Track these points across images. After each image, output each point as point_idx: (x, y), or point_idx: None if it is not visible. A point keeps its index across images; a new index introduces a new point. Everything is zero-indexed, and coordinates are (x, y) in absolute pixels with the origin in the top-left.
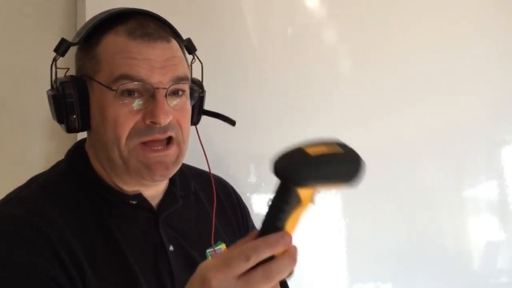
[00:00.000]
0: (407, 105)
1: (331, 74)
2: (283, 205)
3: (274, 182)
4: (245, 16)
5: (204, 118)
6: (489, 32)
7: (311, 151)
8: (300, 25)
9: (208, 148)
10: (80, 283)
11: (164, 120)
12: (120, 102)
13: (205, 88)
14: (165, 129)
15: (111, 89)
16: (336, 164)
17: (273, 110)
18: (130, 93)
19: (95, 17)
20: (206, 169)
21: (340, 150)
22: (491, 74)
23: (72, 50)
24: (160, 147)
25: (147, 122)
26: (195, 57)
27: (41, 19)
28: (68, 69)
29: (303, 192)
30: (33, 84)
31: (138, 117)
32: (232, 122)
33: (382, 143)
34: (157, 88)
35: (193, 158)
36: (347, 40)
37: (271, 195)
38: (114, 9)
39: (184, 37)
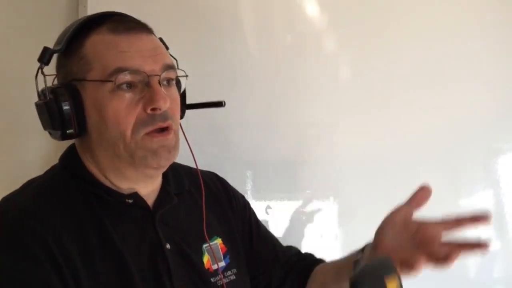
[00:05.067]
0: (405, 113)
1: (330, 81)
2: None
3: (271, 188)
4: (245, 23)
5: (202, 125)
6: (488, 41)
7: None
8: (299, 33)
9: (206, 155)
10: (74, 287)
11: (164, 104)
12: (117, 96)
13: (205, 95)
14: (165, 116)
15: (109, 81)
16: None
17: (272, 117)
18: (126, 85)
19: (72, 24)
20: (194, 165)
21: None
22: (489, 83)
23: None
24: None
25: (148, 110)
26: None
27: (43, 23)
28: (56, 75)
29: None
30: (32, 87)
31: (138, 108)
32: (220, 104)
33: (379, 150)
34: (151, 76)
35: (184, 157)
36: (346, 47)
37: (268, 202)
38: (90, 15)
39: (185, 44)
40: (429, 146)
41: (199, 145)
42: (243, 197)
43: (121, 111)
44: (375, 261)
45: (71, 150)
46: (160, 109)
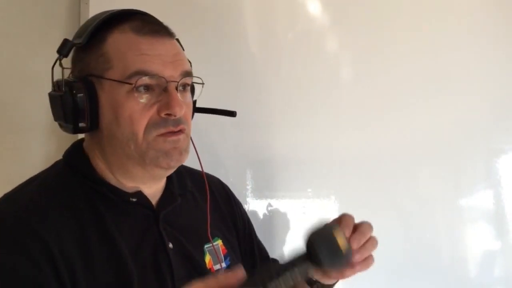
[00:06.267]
0: (406, 112)
1: (331, 79)
2: (293, 271)
3: (272, 187)
4: (246, 21)
5: (204, 124)
6: (488, 42)
7: (340, 242)
8: (301, 31)
9: (207, 154)
10: (70, 286)
11: (180, 112)
12: (134, 98)
13: (206, 93)
14: (178, 121)
15: (128, 83)
16: (347, 259)
17: (273, 115)
18: (144, 88)
19: (95, 17)
20: (197, 166)
21: (347, 244)
22: (490, 84)
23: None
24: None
25: (162, 114)
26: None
27: (45, 21)
28: (72, 69)
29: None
30: (35, 85)
31: (152, 111)
32: (232, 114)
33: (380, 149)
34: (169, 82)
35: (189, 159)
36: (348, 45)
37: (270, 201)
38: (114, 10)
39: (186, 43)
40: (429, 146)
41: (200, 144)
42: (245, 211)
43: (136, 112)
44: (321, 224)
45: (76, 147)
46: (175, 116)
